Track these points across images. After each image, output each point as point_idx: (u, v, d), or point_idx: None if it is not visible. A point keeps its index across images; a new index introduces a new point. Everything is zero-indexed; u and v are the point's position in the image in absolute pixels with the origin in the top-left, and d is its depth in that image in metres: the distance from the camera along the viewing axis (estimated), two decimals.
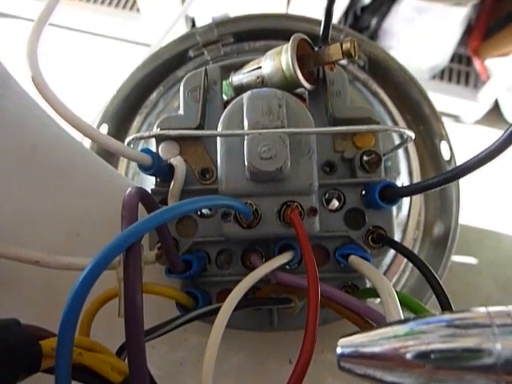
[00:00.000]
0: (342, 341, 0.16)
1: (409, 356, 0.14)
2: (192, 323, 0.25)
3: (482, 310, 0.14)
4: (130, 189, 0.21)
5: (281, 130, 0.26)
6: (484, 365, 0.12)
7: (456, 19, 1.11)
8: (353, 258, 0.27)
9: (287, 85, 0.29)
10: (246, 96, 0.27)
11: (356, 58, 0.27)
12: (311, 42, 0.30)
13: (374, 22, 1.19)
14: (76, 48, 1.37)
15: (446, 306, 0.23)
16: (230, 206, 0.26)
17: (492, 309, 0.13)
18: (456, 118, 1.30)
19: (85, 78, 1.30)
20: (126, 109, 0.50)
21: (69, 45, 1.34)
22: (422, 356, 0.13)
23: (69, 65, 1.29)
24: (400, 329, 0.15)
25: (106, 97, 0.51)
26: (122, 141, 0.42)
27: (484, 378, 0.12)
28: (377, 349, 0.14)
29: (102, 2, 1.36)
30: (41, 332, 0.20)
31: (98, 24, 1.37)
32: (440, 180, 0.24)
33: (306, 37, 0.30)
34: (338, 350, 0.15)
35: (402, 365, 0.14)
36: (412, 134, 0.28)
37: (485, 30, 1.23)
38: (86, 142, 0.41)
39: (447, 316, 0.14)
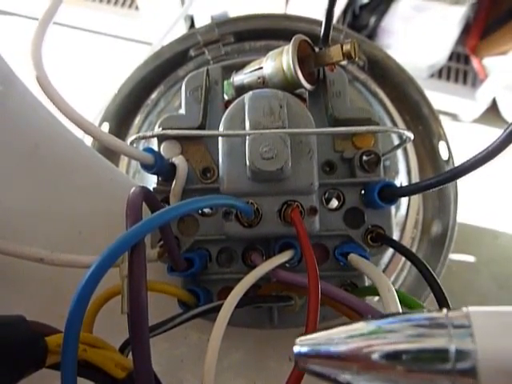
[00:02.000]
0: (301, 339, 0.15)
1: (374, 356, 0.13)
2: (192, 321, 0.26)
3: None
4: (134, 188, 0.21)
5: (282, 130, 0.26)
6: (440, 367, 0.12)
7: (454, 18, 1.11)
8: (352, 256, 0.27)
9: (288, 85, 0.30)
10: (247, 96, 0.27)
11: (356, 59, 0.28)
12: (312, 43, 0.31)
13: (372, 20, 1.19)
14: (74, 46, 1.36)
15: (443, 304, 0.24)
16: (232, 206, 0.26)
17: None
18: (454, 117, 1.31)
19: (83, 76, 1.29)
20: (127, 107, 0.51)
21: (67, 42, 1.34)
22: (389, 356, 0.13)
23: (66, 62, 1.29)
24: (364, 327, 0.15)
25: (104, 95, 0.51)
26: (123, 139, 0.42)
27: (440, 379, 0.12)
28: (338, 348, 0.14)
29: (101, 0, 1.35)
30: (46, 328, 0.20)
31: (96, 22, 1.37)
32: (439, 180, 0.24)
33: (306, 38, 0.30)
34: (295, 349, 0.15)
35: (365, 365, 0.13)
36: (411, 135, 0.28)
37: (483, 29, 1.23)
38: (87, 140, 0.41)
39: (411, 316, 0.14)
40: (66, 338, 0.17)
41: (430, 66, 1.23)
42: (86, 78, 1.29)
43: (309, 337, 0.15)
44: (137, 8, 1.30)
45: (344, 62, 0.28)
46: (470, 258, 1.14)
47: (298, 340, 0.15)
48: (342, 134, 0.30)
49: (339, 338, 0.14)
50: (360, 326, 0.14)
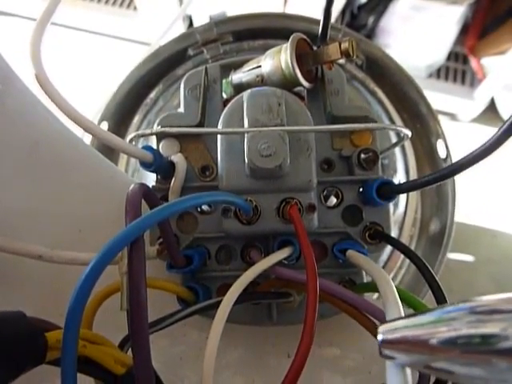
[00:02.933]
0: (383, 327, 0.15)
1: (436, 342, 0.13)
2: (191, 318, 0.26)
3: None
4: (133, 185, 0.21)
5: (280, 128, 0.26)
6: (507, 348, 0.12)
7: (452, 18, 1.11)
8: (350, 253, 0.27)
9: (286, 83, 0.30)
10: (246, 94, 0.28)
11: (354, 57, 0.28)
12: (310, 42, 0.31)
13: (370, 20, 1.19)
14: (72, 45, 1.37)
15: (441, 301, 0.24)
16: (230, 202, 0.26)
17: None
18: (452, 116, 1.31)
19: (81, 75, 1.30)
20: (126, 106, 0.51)
21: (66, 43, 1.34)
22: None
23: (65, 62, 1.29)
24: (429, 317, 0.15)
25: (103, 94, 0.51)
26: (122, 138, 0.42)
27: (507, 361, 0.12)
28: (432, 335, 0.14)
29: (99, 0, 1.36)
30: (46, 324, 0.20)
31: (94, 22, 1.37)
32: (436, 177, 0.24)
33: (305, 36, 0.30)
34: (379, 337, 0.15)
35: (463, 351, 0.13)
36: (408, 132, 0.28)
37: (481, 29, 1.24)
38: (87, 138, 0.41)
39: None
40: (66, 333, 0.17)
41: (429, 65, 1.23)
42: (85, 77, 1.29)
43: (391, 325, 0.15)
44: (135, 8, 1.30)
45: (342, 61, 0.28)
46: (469, 258, 1.14)
47: (381, 329, 0.15)
48: (341, 132, 0.30)
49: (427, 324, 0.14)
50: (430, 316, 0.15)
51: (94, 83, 1.24)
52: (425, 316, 0.15)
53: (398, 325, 0.15)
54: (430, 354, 0.14)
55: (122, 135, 0.50)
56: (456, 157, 0.47)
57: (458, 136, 1.28)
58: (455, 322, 0.13)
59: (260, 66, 0.31)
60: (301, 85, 0.30)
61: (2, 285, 0.29)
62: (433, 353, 0.14)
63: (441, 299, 0.24)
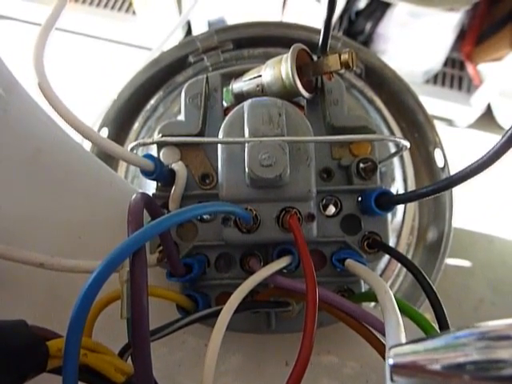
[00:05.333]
0: (394, 351, 0.15)
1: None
2: (190, 326, 0.26)
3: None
4: (135, 195, 0.21)
5: (280, 138, 0.26)
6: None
7: (449, 24, 1.12)
8: (349, 262, 0.28)
9: (286, 93, 0.30)
10: (246, 104, 0.28)
11: (354, 68, 0.28)
12: (310, 52, 0.31)
13: (368, 26, 1.20)
14: (70, 50, 1.36)
15: (438, 310, 0.24)
16: (231, 213, 0.26)
17: None
18: (449, 122, 1.31)
19: (79, 79, 1.30)
20: (127, 113, 0.51)
21: (63, 46, 1.34)
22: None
23: (65, 67, 1.29)
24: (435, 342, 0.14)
25: (100, 97, 0.51)
26: (122, 144, 0.42)
27: None
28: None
29: (98, 5, 1.36)
30: (47, 333, 0.20)
31: (93, 26, 1.37)
32: (434, 189, 0.25)
33: (305, 47, 0.30)
34: (390, 361, 0.15)
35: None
36: (407, 143, 0.28)
37: (477, 35, 1.24)
38: (86, 145, 0.41)
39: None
40: (68, 342, 0.17)
41: (426, 71, 1.24)
42: (83, 80, 1.29)
43: (401, 349, 0.15)
44: (134, 13, 1.31)
45: (342, 71, 0.29)
46: (466, 263, 1.15)
47: (392, 352, 0.15)
48: (340, 142, 0.30)
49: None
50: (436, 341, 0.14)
51: (92, 86, 1.24)
52: (434, 341, 0.15)
53: (407, 349, 0.15)
54: (442, 380, 0.14)
55: (122, 141, 0.51)
56: (452, 162, 0.47)
57: (455, 142, 1.28)
58: (466, 348, 0.13)
59: (260, 76, 0.31)
60: (301, 95, 0.30)
61: (2, 291, 0.29)
62: (444, 379, 0.14)
63: (438, 308, 0.24)
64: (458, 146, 1.25)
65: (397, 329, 0.19)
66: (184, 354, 0.31)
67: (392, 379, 0.15)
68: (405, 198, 0.28)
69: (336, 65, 0.28)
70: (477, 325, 0.14)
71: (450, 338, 0.14)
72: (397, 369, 0.15)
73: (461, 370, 0.13)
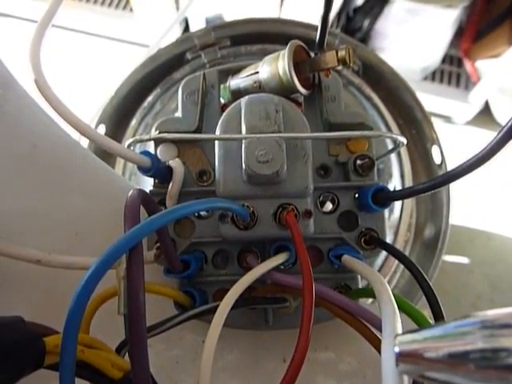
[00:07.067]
0: (400, 339, 0.15)
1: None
2: (188, 322, 0.26)
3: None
4: (132, 191, 0.21)
5: (277, 134, 0.26)
6: None
7: (447, 21, 1.12)
8: (346, 258, 0.28)
9: (283, 90, 0.30)
10: (243, 101, 0.28)
11: (351, 65, 0.28)
12: (307, 49, 0.31)
13: (366, 23, 1.20)
14: (67, 47, 1.36)
15: (435, 306, 0.24)
16: (229, 209, 0.26)
17: None
18: (447, 119, 1.32)
19: (76, 76, 1.29)
20: (124, 109, 0.51)
21: (60, 43, 1.34)
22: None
23: (61, 63, 1.29)
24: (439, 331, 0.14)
25: (97, 94, 0.51)
26: (119, 141, 0.42)
27: None
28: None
29: (95, 2, 1.36)
30: (44, 329, 0.20)
31: (90, 23, 1.37)
32: (431, 185, 0.25)
33: (302, 43, 0.30)
34: (396, 349, 0.15)
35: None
36: (404, 140, 0.28)
37: (475, 32, 1.24)
38: (84, 142, 0.41)
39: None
40: (65, 339, 0.17)
41: (424, 68, 1.24)
42: (80, 77, 1.29)
43: (407, 337, 0.15)
44: (131, 10, 1.30)
45: (339, 67, 0.29)
46: (464, 260, 1.15)
47: (397, 340, 0.15)
48: (337, 139, 0.30)
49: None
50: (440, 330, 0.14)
51: (89, 83, 1.24)
52: (439, 329, 0.15)
53: (412, 337, 0.15)
54: (447, 368, 0.14)
55: (119, 138, 0.51)
56: (450, 159, 0.47)
57: (453, 138, 1.28)
58: (470, 337, 0.13)
59: (257, 73, 0.31)
60: (298, 91, 0.30)
61: None
62: (449, 367, 0.14)
63: (434, 304, 0.24)
64: (455, 143, 1.25)
65: (393, 319, 0.19)
66: (181, 351, 0.31)
67: (397, 366, 0.15)
68: (402, 195, 0.28)
69: (333, 61, 0.28)
70: (481, 313, 0.14)
71: (455, 326, 0.14)
72: (402, 357, 0.15)
73: (466, 358, 0.13)
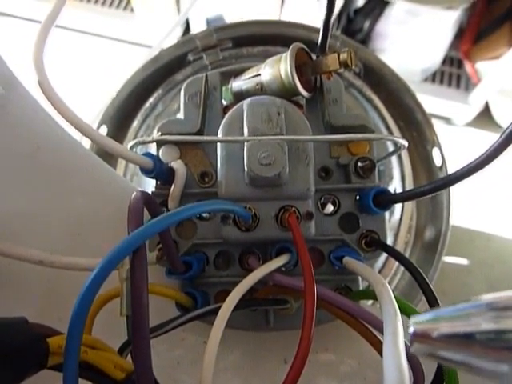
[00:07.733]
0: (415, 319, 0.15)
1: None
2: (190, 323, 0.26)
3: None
4: (135, 193, 0.22)
5: (279, 137, 0.26)
6: None
7: (447, 22, 1.12)
8: (347, 259, 0.28)
9: (285, 92, 0.30)
10: (246, 103, 0.28)
11: (353, 67, 0.28)
12: (309, 52, 0.31)
13: (366, 24, 1.20)
14: (70, 47, 1.36)
15: (435, 307, 0.24)
16: (231, 211, 0.27)
17: None
18: (447, 120, 1.32)
19: (78, 77, 1.29)
20: (126, 110, 0.51)
21: (63, 44, 1.34)
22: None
23: (63, 64, 1.28)
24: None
25: (99, 94, 0.51)
26: (121, 142, 0.42)
27: None
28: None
29: (97, 2, 1.36)
30: (47, 330, 0.20)
31: (90, 23, 1.37)
32: (432, 188, 0.25)
33: (304, 46, 0.31)
34: (411, 329, 0.15)
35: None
36: (405, 143, 0.29)
37: (476, 34, 1.24)
38: (85, 143, 0.41)
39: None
40: (69, 339, 0.17)
41: (424, 69, 1.24)
42: (81, 78, 1.29)
43: (423, 317, 0.15)
44: (132, 10, 1.31)
45: (341, 70, 0.29)
46: (463, 261, 1.15)
47: (412, 320, 0.15)
48: (338, 141, 0.30)
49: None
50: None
51: (91, 84, 1.24)
52: (448, 310, 0.15)
53: (428, 317, 0.15)
54: (461, 349, 0.14)
55: (121, 139, 0.51)
56: (450, 160, 0.47)
57: (453, 140, 1.28)
58: (476, 318, 0.14)
59: (260, 75, 0.31)
60: (300, 94, 0.30)
61: (1, 289, 0.29)
62: (462, 347, 0.14)
63: (434, 306, 0.25)
64: (456, 145, 1.25)
65: (395, 319, 0.19)
66: (183, 352, 0.31)
67: (411, 345, 0.15)
68: (402, 197, 0.28)
69: (335, 64, 0.28)
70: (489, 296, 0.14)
71: (463, 308, 0.14)
72: (417, 338, 0.14)
73: (473, 338, 0.13)
